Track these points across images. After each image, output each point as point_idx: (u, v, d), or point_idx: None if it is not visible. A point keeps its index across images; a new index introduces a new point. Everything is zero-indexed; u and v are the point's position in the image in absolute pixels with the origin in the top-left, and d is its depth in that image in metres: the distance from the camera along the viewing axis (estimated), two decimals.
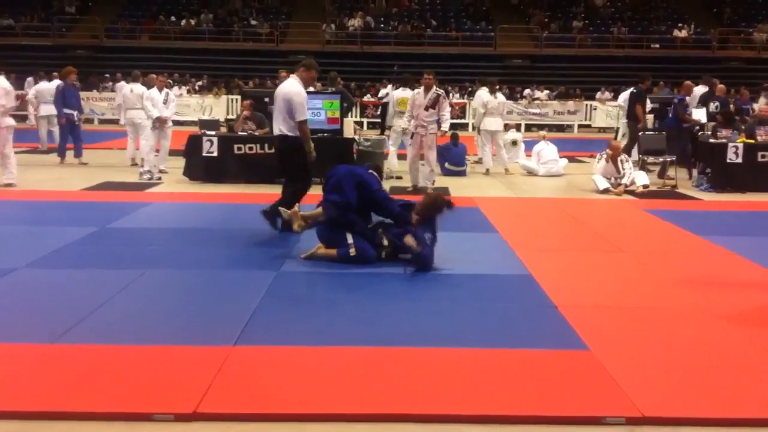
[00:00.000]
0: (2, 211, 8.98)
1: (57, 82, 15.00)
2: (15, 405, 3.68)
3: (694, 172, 12.63)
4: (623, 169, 11.52)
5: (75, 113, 13.76)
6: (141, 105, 12.66)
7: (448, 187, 11.46)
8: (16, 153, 13.78)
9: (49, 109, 15.65)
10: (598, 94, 27.20)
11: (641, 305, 5.60)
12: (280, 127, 7.86)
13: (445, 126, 11.43)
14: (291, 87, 7.84)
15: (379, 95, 23.55)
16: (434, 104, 11.03)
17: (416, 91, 11.53)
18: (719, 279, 6.47)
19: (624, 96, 15.54)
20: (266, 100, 13.47)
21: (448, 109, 11.73)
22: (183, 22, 33.18)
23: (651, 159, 13.46)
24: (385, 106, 18.54)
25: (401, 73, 14.50)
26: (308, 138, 7.92)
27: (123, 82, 15.50)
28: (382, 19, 34.52)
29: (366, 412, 3.68)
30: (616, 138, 15.69)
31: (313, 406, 3.73)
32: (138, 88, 12.83)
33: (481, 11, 35.54)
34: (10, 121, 11.04)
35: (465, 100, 25.93)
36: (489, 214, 8.20)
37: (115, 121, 23.97)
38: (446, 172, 13.05)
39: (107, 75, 27.44)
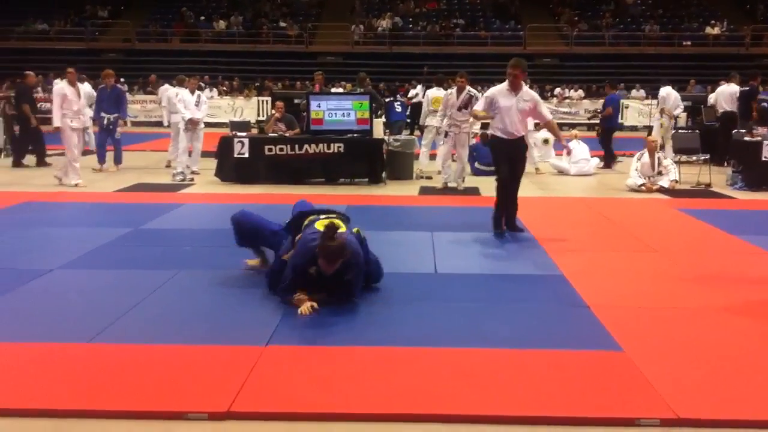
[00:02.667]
0: (38, 214, 9.12)
1: (86, 85, 14.95)
2: (51, 403, 3.74)
3: (729, 170, 12.46)
4: (660, 166, 11.40)
5: (109, 117, 13.57)
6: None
7: (479, 187, 11.44)
8: (51, 155, 14.14)
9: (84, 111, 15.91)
10: (633, 92, 26.92)
11: (675, 305, 5.53)
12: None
13: (476, 127, 11.46)
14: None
15: (409, 95, 23.54)
16: (467, 105, 11.10)
17: (449, 91, 11.63)
18: (754, 279, 6.36)
19: (665, 92, 15.34)
20: (296, 101, 13.59)
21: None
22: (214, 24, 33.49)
23: (684, 158, 13.30)
24: (415, 106, 18.56)
25: (432, 74, 14.49)
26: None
27: (167, 85, 15.61)
28: (410, 19, 34.51)
29: (396, 413, 3.67)
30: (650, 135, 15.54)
31: (343, 406, 3.74)
32: (181, 91, 12.86)
33: (510, 11, 35.37)
34: (77, 124, 11.28)
35: None
36: (520, 214, 8.15)
37: (148, 123, 24.31)
38: (476, 172, 13.00)
39: (141, 78, 27.73)
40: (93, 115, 14.03)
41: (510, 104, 7.87)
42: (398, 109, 14.52)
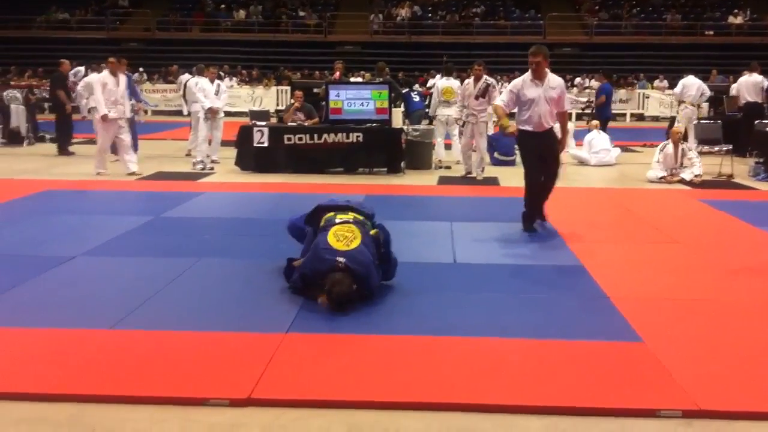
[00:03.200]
0: (59, 201, 9.20)
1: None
2: (74, 388, 3.78)
3: (751, 161, 12.34)
4: (683, 158, 11.29)
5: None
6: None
7: (498, 177, 11.40)
8: (76, 143, 14.26)
9: None
10: (656, 82, 26.69)
11: (696, 297, 5.49)
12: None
13: (495, 116, 11.38)
14: None
15: (428, 85, 23.46)
16: (484, 93, 11.09)
17: (466, 81, 11.57)
18: None
19: (685, 83, 15.17)
20: (315, 90, 13.59)
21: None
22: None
23: (707, 148, 13.18)
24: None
25: (448, 63, 14.42)
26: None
27: (187, 74, 15.65)
28: (429, 8, 34.37)
29: (416, 401, 3.68)
30: (672, 126, 15.40)
31: (363, 394, 3.75)
32: (200, 81, 12.87)
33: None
34: (114, 113, 11.35)
35: None
36: None
37: (168, 113, 24.39)
38: (496, 162, 12.95)
39: (164, 69, 27.83)
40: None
41: (537, 95, 7.42)
42: (416, 98, 14.46)
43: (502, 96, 8.05)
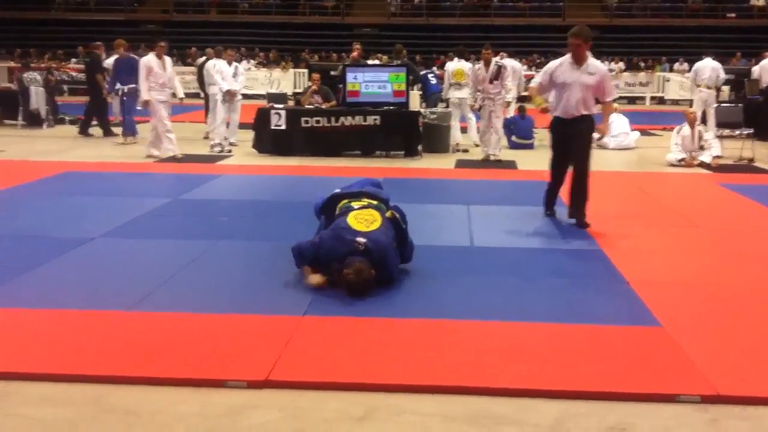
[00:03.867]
0: (78, 183, 9.26)
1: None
2: (92, 369, 3.81)
3: None
4: (701, 140, 11.18)
5: (124, 88, 13.40)
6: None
7: (515, 161, 11.34)
8: (93, 125, 14.33)
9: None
10: (676, 65, 26.40)
11: (716, 281, 5.45)
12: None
13: (509, 96, 11.37)
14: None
15: (445, 68, 23.34)
16: (497, 76, 11.04)
17: (477, 66, 11.49)
18: None
19: (698, 66, 15.00)
20: (332, 73, 13.55)
21: (510, 79, 11.71)
22: None
23: (727, 132, 13.03)
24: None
25: (459, 45, 14.35)
26: None
27: (205, 57, 15.69)
28: None
29: (432, 384, 3.68)
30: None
31: (380, 376, 3.75)
32: (218, 63, 12.85)
33: None
34: (163, 96, 11.45)
35: (533, 72, 25.59)
36: (562, 190, 8.06)
37: (187, 95, 24.38)
38: (513, 146, 12.89)
39: (176, 50, 27.81)
40: (108, 86, 14.08)
41: (572, 79, 6.94)
42: (433, 81, 14.40)
43: (537, 77, 7.74)
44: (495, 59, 11.37)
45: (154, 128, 11.46)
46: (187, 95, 23.89)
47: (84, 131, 14.33)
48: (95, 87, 14.45)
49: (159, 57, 11.49)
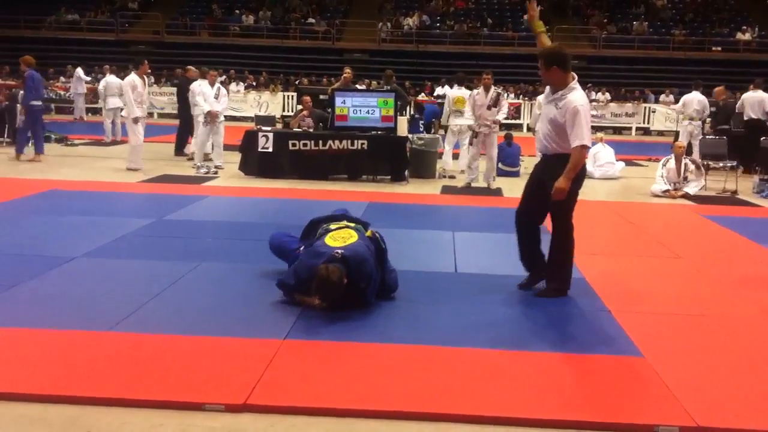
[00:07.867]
0: (62, 202, 9.21)
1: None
2: (70, 390, 3.77)
3: (756, 178, 12.31)
4: (686, 172, 11.29)
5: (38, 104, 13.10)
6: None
7: (501, 188, 11.39)
8: (81, 144, 14.31)
9: (115, 102, 16.17)
10: (662, 97, 26.69)
11: (697, 312, 5.47)
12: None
13: (500, 116, 11.43)
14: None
15: (435, 94, 23.47)
16: (496, 103, 11.13)
17: (476, 91, 11.53)
18: None
19: (686, 99, 15.17)
20: (321, 97, 13.60)
21: (506, 106, 11.83)
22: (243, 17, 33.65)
23: (711, 164, 13.15)
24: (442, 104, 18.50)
25: (455, 73, 14.46)
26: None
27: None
28: (438, 18, 34.44)
29: (414, 411, 3.66)
30: (676, 140, 15.39)
31: (361, 402, 3.73)
32: (202, 84, 12.87)
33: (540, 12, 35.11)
34: (140, 113, 11.93)
35: (520, 101, 25.83)
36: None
37: (175, 116, 24.39)
38: (500, 173, 12.93)
39: (166, 70, 27.92)
40: (22, 101, 13.35)
41: (544, 109, 5.82)
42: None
43: (535, 108, 7.66)
44: (494, 86, 11.46)
45: (133, 144, 11.96)
46: (175, 116, 24.09)
47: (179, 152, 14.58)
48: (186, 109, 14.13)
49: (141, 76, 11.64)
